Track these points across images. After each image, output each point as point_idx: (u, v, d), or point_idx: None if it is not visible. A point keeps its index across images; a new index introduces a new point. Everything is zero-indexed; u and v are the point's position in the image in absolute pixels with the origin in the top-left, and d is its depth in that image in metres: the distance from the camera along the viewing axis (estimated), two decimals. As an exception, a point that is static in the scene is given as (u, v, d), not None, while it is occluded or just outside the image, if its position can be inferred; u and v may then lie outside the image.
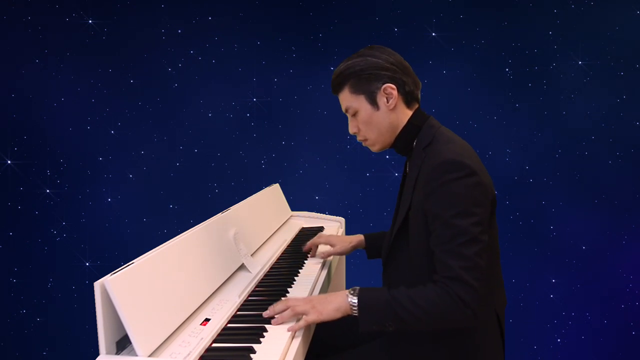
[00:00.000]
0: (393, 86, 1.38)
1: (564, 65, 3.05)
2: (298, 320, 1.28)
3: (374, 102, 1.40)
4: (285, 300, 1.32)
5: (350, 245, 1.86)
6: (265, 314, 1.31)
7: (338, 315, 1.28)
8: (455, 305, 1.20)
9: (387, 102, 1.39)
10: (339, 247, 1.86)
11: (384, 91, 1.39)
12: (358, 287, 1.29)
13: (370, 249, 1.85)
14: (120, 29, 3.11)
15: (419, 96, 1.45)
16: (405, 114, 1.42)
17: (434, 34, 3.09)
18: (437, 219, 1.25)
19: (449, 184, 1.23)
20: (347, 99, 1.44)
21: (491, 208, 1.31)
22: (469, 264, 1.20)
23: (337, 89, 1.46)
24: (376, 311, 1.24)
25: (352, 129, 1.47)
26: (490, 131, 3.10)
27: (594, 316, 3.04)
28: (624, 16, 2.99)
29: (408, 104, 1.42)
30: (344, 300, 1.27)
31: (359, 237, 1.88)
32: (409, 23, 3.11)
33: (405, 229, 1.37)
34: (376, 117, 1.41)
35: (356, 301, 1.25)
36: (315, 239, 1.93)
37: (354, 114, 1.44)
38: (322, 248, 1.96)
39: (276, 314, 1.29)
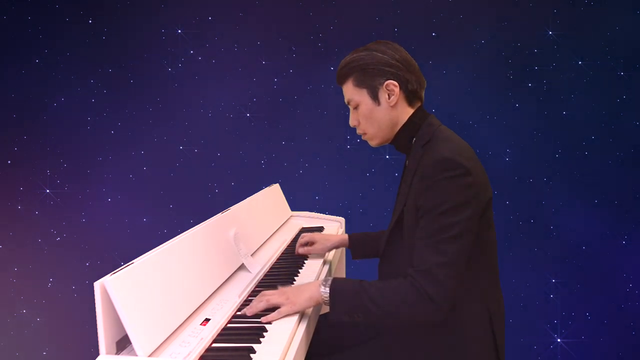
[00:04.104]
0: (395, 83, 1.38)
1: (564, 65, 3.05)
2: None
3: (375, 97, 1.40)
4: (261, 294, 1.35)
5: (329, 243, 1.87)
6: (248, 312, 1.32)
7: (311, 304, 1.31)
8: (421, 300, 1.20)
9: (389, 98, 1.39)
10: (317, 246, 1.87)
11: (386, 87, 1.38)
12: (331, 277, 1.32)
13: (354, 248, 1.84)
14: (120, 29, 3.11)
15: (423, 95, 1.45)
16: (406, 112, 1.42)
17: (434, 34, 3.09)
18: (425, 214, 1.25)
19: (443, 181, 1.23)
20: (350, 92, 1.44)
21: (486, 209, 1.30)
22: (446, 260, 1.20)
23: (342, 80, 1.46)
24: (346, 301, 1.26)
25: (352, 122, 1.47)
26: (490, 131, 3.10)
27: (594, 316, 3.04)
28: (624, 16, 2.99)
29: (410, 102, 1.42)
30: (317, 290, 1.30)
31: (341, 237, 1.88)
32: (409, 23, 3.10)
33: (401, 224, 1.37)
34: (376, 113, 1.41)
35: (328, 291, 1.28)
36: (300, 239, 1.93)
37: (356, 107, 1.45)
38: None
39: (258, 310, 1.31)
